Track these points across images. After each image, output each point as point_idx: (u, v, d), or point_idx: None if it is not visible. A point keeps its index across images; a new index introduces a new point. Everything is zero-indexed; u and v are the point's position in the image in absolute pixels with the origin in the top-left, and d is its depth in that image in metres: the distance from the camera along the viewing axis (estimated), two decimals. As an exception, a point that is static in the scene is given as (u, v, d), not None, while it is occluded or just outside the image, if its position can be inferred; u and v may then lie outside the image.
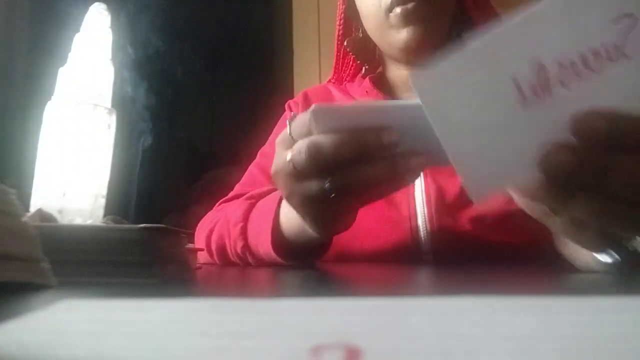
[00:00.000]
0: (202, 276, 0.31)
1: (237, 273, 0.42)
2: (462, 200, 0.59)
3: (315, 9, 1.71)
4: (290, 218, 0.50)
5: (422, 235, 0.60)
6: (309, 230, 0.45)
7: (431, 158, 0.35)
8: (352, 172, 0.37)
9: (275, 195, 0.54)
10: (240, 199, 0.62)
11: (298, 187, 0.40)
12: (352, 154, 0.36)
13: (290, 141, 0.39)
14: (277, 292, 0.26)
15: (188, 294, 0.23)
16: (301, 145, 0.37)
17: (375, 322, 0.14)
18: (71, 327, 0.15)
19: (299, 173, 0.38)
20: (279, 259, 0.50)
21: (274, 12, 1.82)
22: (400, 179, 0.38)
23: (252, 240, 0.54)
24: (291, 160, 0.38)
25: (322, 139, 0.36)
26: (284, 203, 0.51)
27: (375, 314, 0.15)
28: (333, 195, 0.38)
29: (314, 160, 0.37)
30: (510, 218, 0.53)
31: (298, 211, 0.43)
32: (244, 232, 0.55)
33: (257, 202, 0.58)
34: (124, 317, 0.15)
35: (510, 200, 0.35)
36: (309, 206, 0.41)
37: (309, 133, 0.38)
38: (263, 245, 0.51)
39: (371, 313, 0.15)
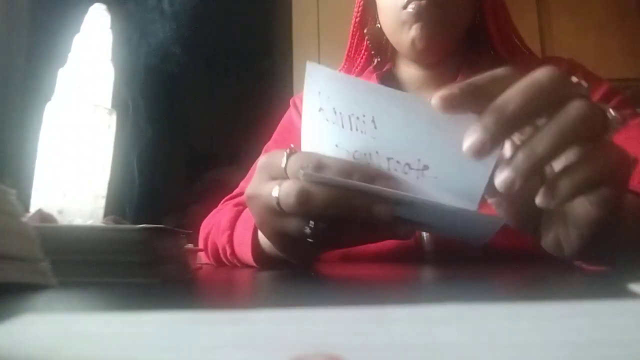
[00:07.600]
0: (178, 286, 0.31)
1: (218, 282, 0.41)
2: None
3: (315, 9, 1.71)
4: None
5: (425, 236, 0.60)
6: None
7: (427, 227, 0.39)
8: (336, 225, 0.37)
9: None
10: (230, 205, 0.63)
11: (275, 221, 0.39)
12: (342, 213, 0.35)
13: (280, 172, 0.37)
14: (256, 302, 0.26)
15: (160, 306, 0.22)
16: (292, 189, 0.35)
17: (358, 331, 0.14)
18: (31, 341, 0.14)
19: (281, 211, 0.37)
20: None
21: (274, 12, 1.82)
22: (382, 237, 0.41)
23: (237, 249, 0.55)
24: (278, 198, 0.36)
25: (316, 190, 0.35)
26: None
27: (357, 323, 0.15)
28: (311, 240, 0.37)
29: (301, 207, 0.35)
30: None
31: (268, 239, 0.43)
32: (230, 241, 0.56)
33: (244, 208, 0.58)
34: (91, 330, 0.15)
35: None
36: (281, 239, 0.41)
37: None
38: (246, 254, 0.52)
39: (354, 322, 0.15)
